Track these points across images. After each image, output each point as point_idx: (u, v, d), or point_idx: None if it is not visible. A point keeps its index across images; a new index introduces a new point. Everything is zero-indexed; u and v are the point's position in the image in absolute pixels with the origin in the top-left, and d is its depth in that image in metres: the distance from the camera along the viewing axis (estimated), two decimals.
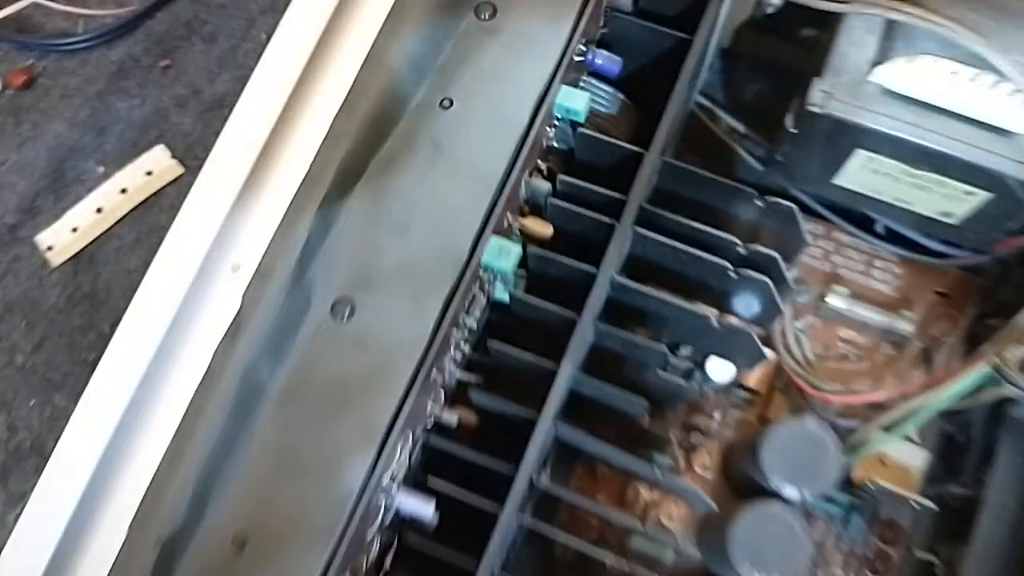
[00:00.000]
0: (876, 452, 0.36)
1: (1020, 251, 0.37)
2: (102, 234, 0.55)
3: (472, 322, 0.32)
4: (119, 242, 0.54)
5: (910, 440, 0.37)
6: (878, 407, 0.37)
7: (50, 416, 0.50)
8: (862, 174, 0.37)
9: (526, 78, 0.31)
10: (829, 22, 0.37)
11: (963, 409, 0.37)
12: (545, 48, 0.31)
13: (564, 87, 0.33)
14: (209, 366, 0.28)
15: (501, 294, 0.34)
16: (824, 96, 0.34)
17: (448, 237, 0.30)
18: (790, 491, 0.34)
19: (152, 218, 0.54)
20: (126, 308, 0.30)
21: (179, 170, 0.57)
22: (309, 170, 0.29)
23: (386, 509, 0.30)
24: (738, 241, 0.31)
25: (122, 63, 0.60)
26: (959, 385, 0.33)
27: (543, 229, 0.33)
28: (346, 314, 0.29)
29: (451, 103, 0.31)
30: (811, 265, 0.43)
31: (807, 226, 0.42)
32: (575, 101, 0.33)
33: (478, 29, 0.32)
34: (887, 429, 0.36)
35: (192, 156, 0.57)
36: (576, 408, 0.33)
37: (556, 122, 0.34)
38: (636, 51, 0.35)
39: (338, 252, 0.29)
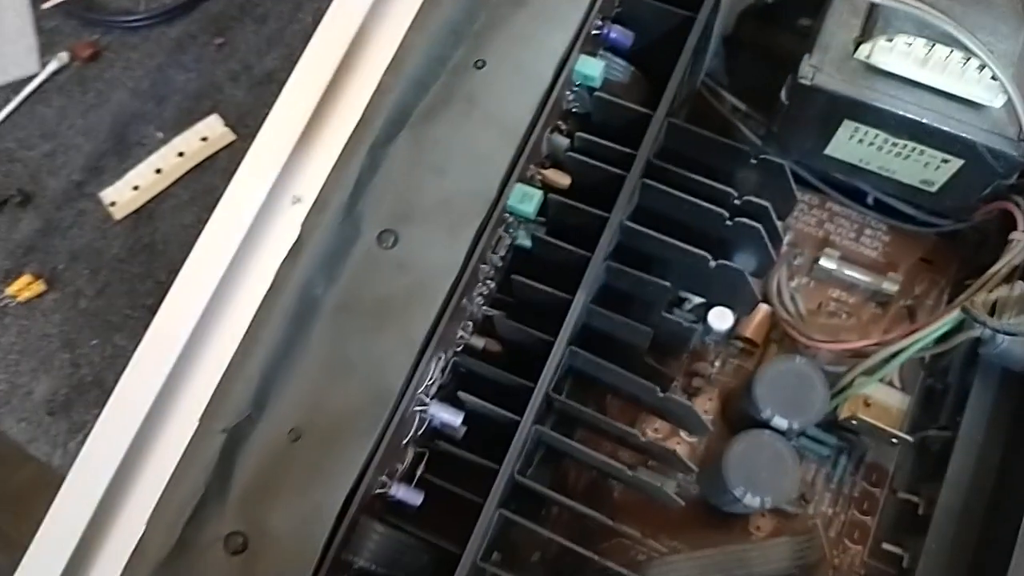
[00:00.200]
0: (861, 395, 0.39)
1: (995, 217, 0.41)
2: (161, 192, 0.59)
3: (497, 260, 0.36)
4: (176, 200, 0.59)
5: (892, 385, 0.41)
6: (863, 355, 0.41)
7: (110, 355, 0.55)
8: (849, 144, 0.41)
9: (550, 44, 0.35)
10: (822, 10, 0.41)
11: (941, 354, 0.40)
12: (567, 18, 0.35)
13: (583, 56, 0.37)
14: (272, 282, 0.31)
15: (524, 240, 0.38)
16: (813, 70, 0.37)
17: (479, 179, 0.33)
18: (780, 421, 0.37)
19: (206, 179, 0.58)
20: (182, 259, 0.34)
21: (231, 136, 0.61)
22: (361, 118, 0.33)
23: (420, 421, 0.34)
24: (734, 192, 0.35)
25: (180, 40, 0.64)
26: (934, 330, 0.37)
27: (562, 179, 0.36)
28: (391, 242, 0.33)
29: (484, 64, 0.34)
30: (806, 231, 0.47)
31: (803, 196, 0.47)
32: (592, 68, 0.36)
33: (509, 1, 0.36)
34: (870, 372, 0.39)
35: (243, 124, 0.60)
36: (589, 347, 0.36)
37: (575, 88, 0.37)
38: (646, 27, 0.38)
39: (384, 189, 0.33)
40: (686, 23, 0.38)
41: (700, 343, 0.44)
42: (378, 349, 0.31)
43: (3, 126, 0.63)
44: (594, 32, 0.37)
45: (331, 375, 0.31)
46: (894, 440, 0.38)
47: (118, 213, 0.59)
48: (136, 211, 0.59)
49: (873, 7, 0.37)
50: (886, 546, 0.40)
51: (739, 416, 0.40)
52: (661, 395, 0.33)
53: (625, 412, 0.42)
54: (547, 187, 0.36)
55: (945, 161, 0.38)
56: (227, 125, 0.62)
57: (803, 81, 0.37)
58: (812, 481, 0.42)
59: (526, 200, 0.34)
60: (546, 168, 0.37)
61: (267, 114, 0.36)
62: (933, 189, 0.41)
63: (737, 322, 0.43)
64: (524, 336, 0.35)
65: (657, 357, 0.40)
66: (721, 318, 0.42)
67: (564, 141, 0.37)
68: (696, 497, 0.41)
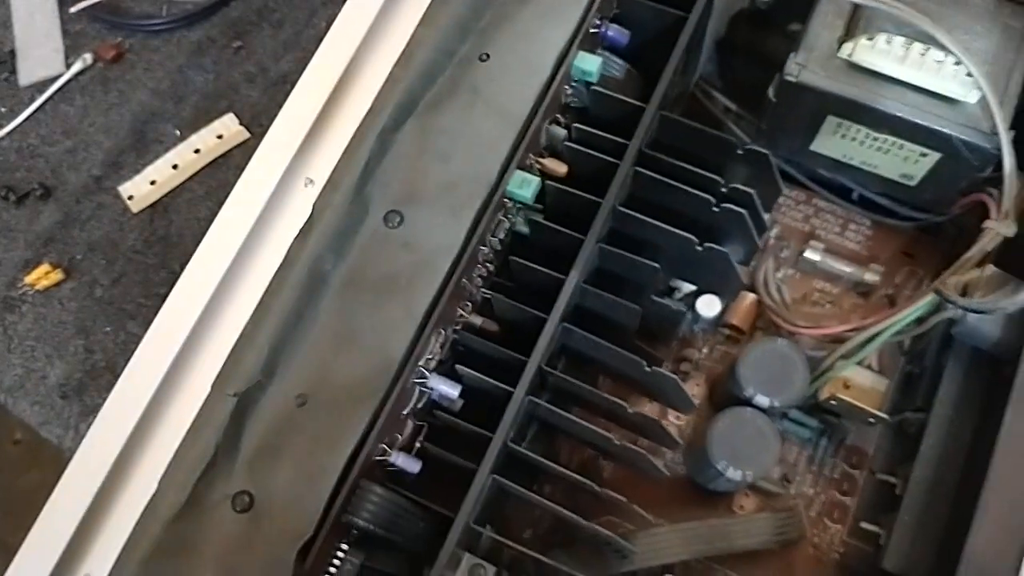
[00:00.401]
0: (841, 377, 0.40)
1: (972, 210, 0.42)
2: (177, 187, 0.60)
3: (496, 243, 0.37)
4: (191, 194, 0.60)
5: (870, 369, 0.41)
6: (842, 340, 0.42)
7: (123, 341, 0.56)
8: (834, 140, 0.42)
9: (550, 40, 0.36)
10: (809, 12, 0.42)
11: (919, 338, 0.40)
12: (567, 16, 0.36)
13: (581, 52, 0.38)
14: (285, 257, 0.32)
15: (522, 227, 0.39)
16: (799, 68, 0.39)
17: (481, 165, 0.34)
18: (762, 399, 0.38)
19: (221, 175, 0.60)
20: (196, 250, 0.35)
21: (246, 135, 0.63)
22: (371, 106, 0.34)
23: (420, 394, 0.35)
24: (720, 180, 0.36)
25: (200, 43, 0.66)
26: (909, 313, 0.38)
27: (559, 168, 0.38)
28: (396, 222, 0.34)
29: (488, 57, 0.36)
30: (793, 226, 0.48)
31: (790, 192, 0.48)
32: (590, 64, 0.38)
33: None
34: (848, 356, 0.40)
35: (257, 124, 0.62)
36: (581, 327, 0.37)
37: (573, 83, 0.39)
38: (642, 27, 0.40)
39: (392, 172, 0.34)
40: (679, 23, 0.39)
41: (689, 331, 0.45)
42: (382, 322, 0.33)
43: (27, 123, 0.64)
44: (592, 30, 0.39)
45: (337, 345, 0.32)
46: (871, 420, 0.39)
47: (135, 206, 0.61)
48: (152, 205, 0.61)
49: (856, 8, 0.39)
50: (864, 525, 0.40)
51: (724, 398, 0.41)
52: (648, 369, 0.34)
53: (615, 393, 0.43)
54: (545, 175, 0.38)
55: (923, 155, 0.40)
56: (242, 124, 0.64)
57: (789, 78, 0.39)
58: (794, 462, 0.43)
59: (524, 186, 0.36)
60: (544, 157, 0.38)
61: None
62: (913, 183, 0.42)
63: (725, 310, 0.44)
64: (520, 314, 0.36)
65: (647, 342, 0.42)
66: (709, 305, 0.43)
67: (562, 132, 0.38)
68: (682, 477, 0.42)
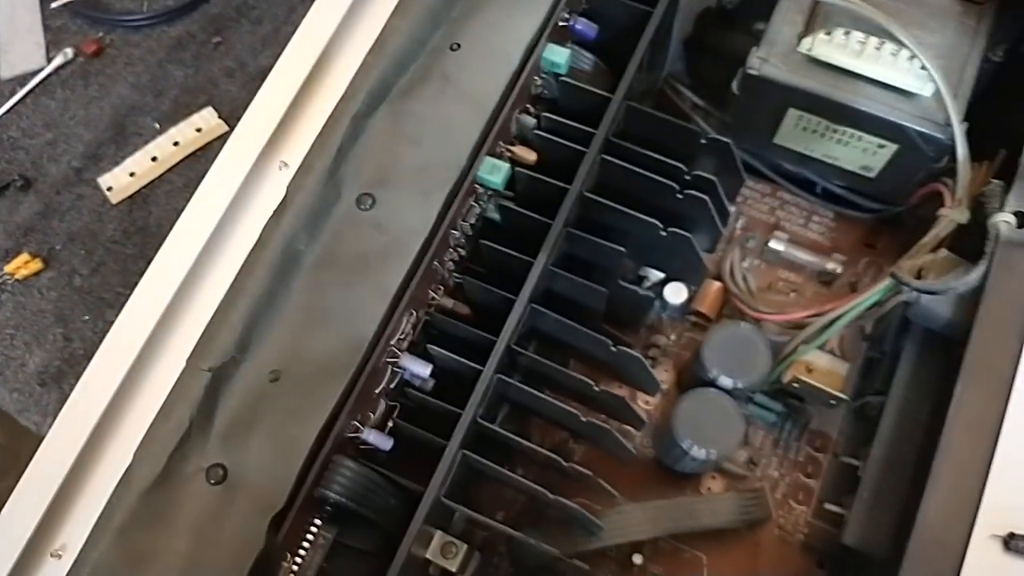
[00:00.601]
0: (803, 360, 0.41)
1: (930, 201, 0.43)
2: (156, 179, 0.61)
3: (468, 228, 0.38)
4: (170, 186, 0.61)
5: (832, 353, 0.43)
6: (804, 326, 0.43)
7: (102, 330, 0.56)
8: (795, 133, 0.44)
9: (519, 30, 0.37)
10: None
11: (880, 323, 0.42)
12: (535, 9, 0.38)
13: (550, 44, 0.39)
14: (259, 238, 0.33)
15: (493, 214, 0.40)
16: (760, 61, 0.40)
17: (451, 150, 0.36)
18: (725, 380, 0.40)
19: (200, 167, 0.61)
20: (172, 230, 0.36)
21: (224, 128, 0.64)
22: (345, 92, 0.35)
23: (392, 374, 0.36)
24: (684, 168, 0.38)
25: (180, 38, 0.67)
26: (866, 298, 0.39)
27: (528, 155, 0.39)
28: (368, 204, 0.35)
29: (459, 46, 0.37)
30: (758, 218, 0.49)
31: (756, 186, 0.50)
32: (559, 56, 0.39)
33: None
34: (810, 340, 0.41)
35: (236, 118, 0.61)
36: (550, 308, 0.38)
37: (543, 74, 0.40)
38: (610, 21, 0.41)
39: (364, 156, 0.35)
40: (645, 18, 0.41)
41: (657, 318, 0.47)
42: (353, 300, 0.33)
43: (8, 116, 0.65)
44: (561, 23, 0.40)
45: (310, 323, 0.33)
46: (832, 402, 0.41)
47: (115, 198, 0.61)
48: (132, 196, 0.61)
49: (816, 4, 0.40)
50: (828, 506, 0.42)
51: (691, 381, 0.42)
52: (613, 349, 0.35)
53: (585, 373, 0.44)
54: (515, 162, 0.39)
55: (881, 146, 0.41)
56: (221, 117, 0.65)
57: (751, 72, 0.40)
58: (760, 446, 0.44)
59: (495, 171, 0.37)
60: (515, 145, 0.39)
61: None
62: (873, 175, 0.44)
63: (692, 298, 0.45)
64: (490, 296, 0.37)
65: (617, 329, 0.43)
66: (676, 293, 0.44)
67: (532, 121, 0.39)
68: (651, 460, 0.44)
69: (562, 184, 0.37)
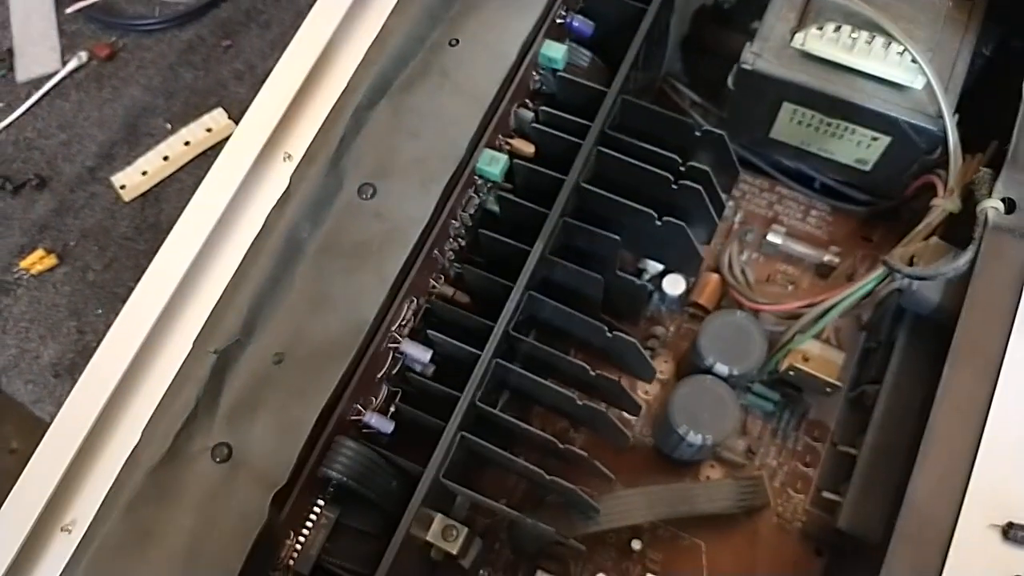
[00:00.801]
0: (800, 350, 0.41)
1: (923, 192, 0.44)
2: (167, 177, 0.63)
3: (467, 219, 0.39)
4: (181, 184, 0.63)
5: (828, 343, 0.44)
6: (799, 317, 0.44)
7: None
8: (791, 127, 0.44)
9: (516, 27, 0.38)
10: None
11: (877, 315, 0.43)
12: (532, 6, 0.39)
13: (548, 41, 0.40)
14: (263, 225, 0.34)
15: (492, 206, 0.41)
16: (754, 56, 0.41)
17: (450, 142, 0.37)
18: (721, 368, 0.40)
19: (209, 166, 0.62)
20: (180, 218, 0.37)
21: (233, 128, 0.64)
22: (346, 87, 0.36)
23: (394, 359, 0.37)
24: (678, 159, 0.39)
25: (191, 42, 0.69)
26: (860, 287, 0.40)
27: (526, 148, 0.40)
28: (369, 194, 0.36)
29: (457, 42, 0.38)
30: (757, 212, 0.50)
31: (755, 181, 0.50)
32: (556, 52, 0.40)
33: None
34: (805, 329, 0.42)
35: None
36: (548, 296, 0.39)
37: (541, 70, 0.41)
38: (606, 19, 0.42)
39: (366, 148, 0.36)
40: (641, 15, 0.42)
41: (657, 310, 0.47)
42: (355, 286, 0.34)
43: (24, 118, 0.67)
44: (559, 21, 0.41)
45: (312, 307, 0.34)
46: (828, 390, 0.41)
47: (127, 196, 0.63)
48: (144, 194, 0.63)
49: (808, 0, 0.41)
50: (826, 494, 0.42)
51: (688, 370, 0.43)
52: (609, 335, 0.36)
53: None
54: (513, 154, 0.40)
55: (875, 139, 0.42)
56: (230, 118, 0.66)
57: (745, 66, 0.41)
58: (759, 436, 0.45)
59: (493, 163, 0.38)
60: (513, 138, 0.40)
61: None
62: (867, 168, 0.45)
63: (690, 290, 0.46)
64: (489, 284, 0.38)
65: (616, 320, 0.44)
66: (674, 284, 0.45)
67: (529, 115, 0.40)
68: (649, 449, 0.44)
69: (559, 175, 0.38)
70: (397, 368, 0.37)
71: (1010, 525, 0.37)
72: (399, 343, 0.36)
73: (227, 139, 0.65)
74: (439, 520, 0.36)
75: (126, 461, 0.32)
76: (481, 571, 0.42)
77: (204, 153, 0.64)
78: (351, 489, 0.34)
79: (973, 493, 0.31)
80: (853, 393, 0.44)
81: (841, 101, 0.40)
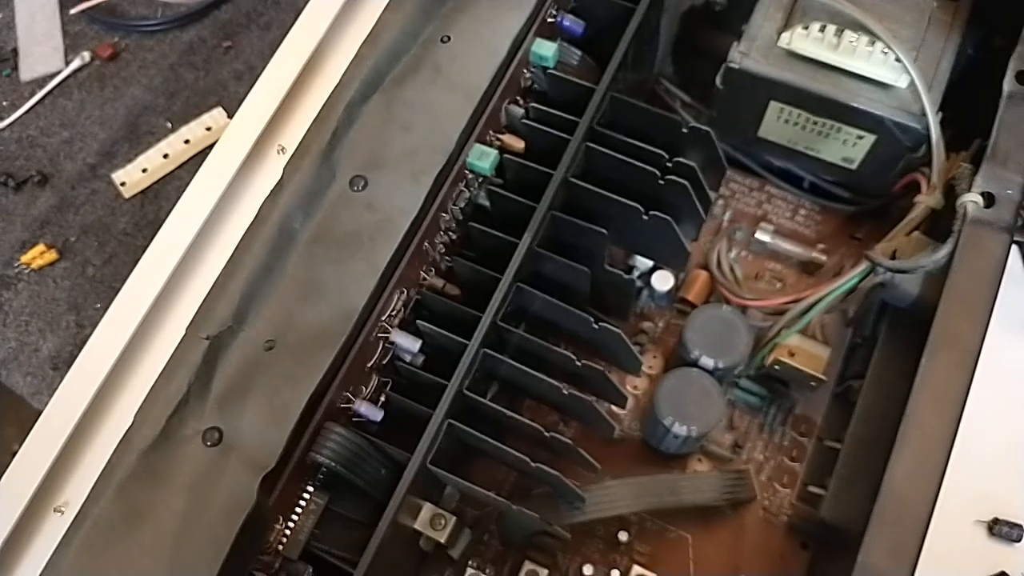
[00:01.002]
0: (785, 344, 0.42)
1: (909, 190, 0.44)
2: (167, 175, 0.64)
3: (458, 212, 0.40)
4: (180, 182, 0.64)
5: (814, 338, 0.44)
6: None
7: None
8: (778, 125, 0.45)
9: (507, 24, 0.39)
10: None
11: (860, 306, 0.43)
12: (523, 4, 0.40)
13: (538, 39, 0.41)
14: (256, 215, 0.35)
15: (483, 200, 0.42)
16: (741, 55, 0.42)
17: (440, 135, 0.37)
18: (707, 361, 0.41)
19: None
20: (175, 207, 0.37)
21: None
22: (339, 81, 0.37)
23: (384, 350, 0.37)
24: (665, 155, 0.39)
25: (192, 43, 0.70)
26: (844, 282, 0.40)
27: (516, 143, 0.41)
28: (361, 186, 0.37)
29: (449, 39, 0.39)
30: (746, 211, 0.51)
31: (744, 180, 0.51)
32: (547, 50, 0.41)
33: None
34: (791, 324, 0.43)
35: None
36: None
37: (532, 68, 0.42)
38: (596, 18, 0.43)
39: (358, 141, 0.37)
40: (630, 14, 0.43)
41: (646, 306, 0.48)
42: (346, 275, 0.35)
43: (28, 116, 0.68)
44: (549, 19, 0.42)
45: (303, 295, 0.35)
46: (813, 384, 0.42)
47: (127, 192, 0.64)
48: (143, 191, 0.64)
49: (795, 0, 0.42)
50: (812, 488, 0.43)
51: (675, 363, 0.44)
52: (595, 326, 0.37)
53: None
54: (504, 150, 0.41)
55: (860, 137, 0.43)
56: (230, 117, 0.67)
57: (732, 65, 0.42)
58: (745, 430, 0.45)
59: (483, 157, 0.39)
60: (503, 134, 0.41)
61: None
62: (854, 166, 0.45)
63: (679, 287, 0.47)
64: (478, 276, 0.38)
65: (604, 316, 0.44)
66: (663, 280, 0.46)
67: (520, 111, 0.41)
68: (637, 442, 0.45)
69: (548, 170, 0.39)
70: (387, 358, 0.37)
71: (995, 521, 0.37)
72: (389, 333, 0.37)
73: None
74: (427, 508, 0.36)
75: (118, 444, 0.32)
76: (470, 562, 0.43)
77: (204, 151, 0.65)
78: (340, 476, 0.35)
79: (951, 479, 0.32)
80: (839, 388, 0.44)
81: (827, 100, 0.41)
